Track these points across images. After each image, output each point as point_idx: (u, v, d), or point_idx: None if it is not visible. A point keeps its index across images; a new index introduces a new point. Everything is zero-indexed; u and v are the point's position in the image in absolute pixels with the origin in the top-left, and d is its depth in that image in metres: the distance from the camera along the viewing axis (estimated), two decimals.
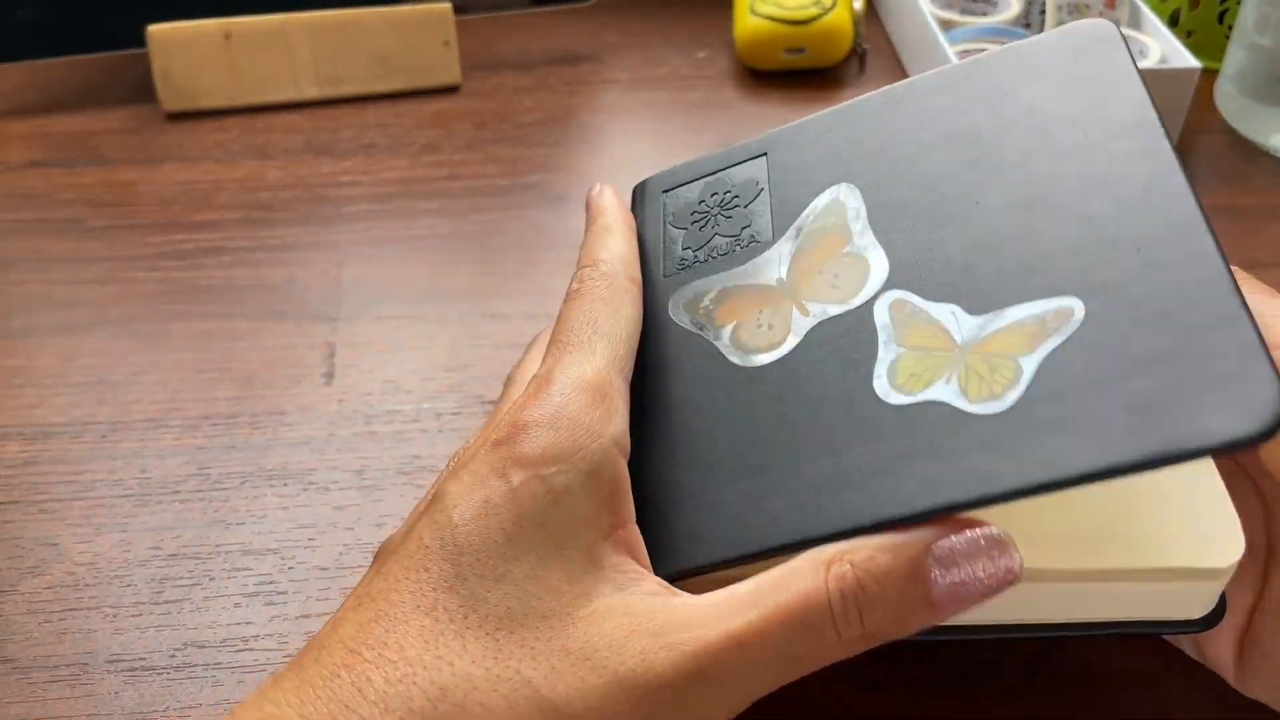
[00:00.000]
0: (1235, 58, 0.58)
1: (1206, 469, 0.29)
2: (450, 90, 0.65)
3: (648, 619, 0.24)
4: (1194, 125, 0.59)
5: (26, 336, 0.47)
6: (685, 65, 0.68)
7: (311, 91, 0.64)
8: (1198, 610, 0.28)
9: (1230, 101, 0.59)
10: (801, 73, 0.66)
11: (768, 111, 0.63)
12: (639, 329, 0.30)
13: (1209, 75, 0.60)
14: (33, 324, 0.48)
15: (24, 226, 0.54)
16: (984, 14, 0.65)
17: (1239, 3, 0.58)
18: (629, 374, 0.29)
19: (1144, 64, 0.57)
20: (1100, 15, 0.61)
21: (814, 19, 0.64)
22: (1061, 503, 0.25)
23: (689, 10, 0.74)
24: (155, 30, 0.61)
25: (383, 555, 0.27)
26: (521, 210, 0.55)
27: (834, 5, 0.65)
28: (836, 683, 0.32)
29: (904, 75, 0.66)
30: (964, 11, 0.65)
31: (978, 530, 0.23)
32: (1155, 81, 0.56)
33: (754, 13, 0.65)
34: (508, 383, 0.33)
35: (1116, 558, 0.27)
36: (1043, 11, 0.63)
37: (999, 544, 0.23)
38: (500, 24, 0.71)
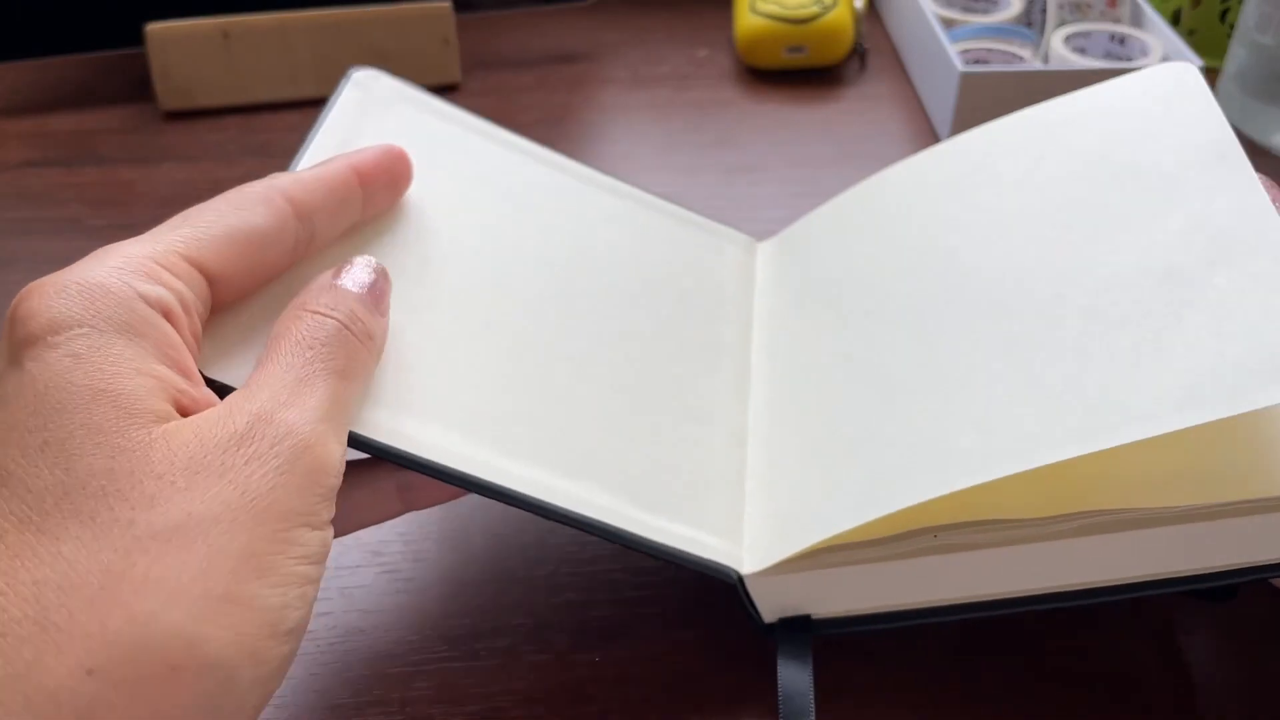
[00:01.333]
0: (1237, 56, 0.58)
1: None
2: (450, 89, 0.65)
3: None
4: None
5: None
6: (685, 64, 0.68)
7: (310, 90, 0.63)
8: None
9: (1232, 100, 0.59)
10: (802, 71, 0.66)
11: (768, 111, 0.63)
12: (264, 243, 0.27)
13: (1211, 74, 0.60)
14: None
15: (22, 226, 0.54)
16: (985, 13, 0.65)
17: (1241, 1, 0.58)
18: (215, 270, 0.26)
19: (1145, 62, 0.57)
20: (1102, 14, 0.61)
21: (814, 18, 0.64)
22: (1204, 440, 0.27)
23: (689, 9, 0.74)
24: (154, 29, 0.60)
25: None
26: None
27: (834, 4, 0.64)
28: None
29: (905, 74, 0.66)
30: (965, 10, 0.65)
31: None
32: None
33: (754, 11, 0.65)
34: None
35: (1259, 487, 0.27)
36: (1043, 11, 0.62)
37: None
38: (500, 23, 0.71)
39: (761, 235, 0.53)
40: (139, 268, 0.24)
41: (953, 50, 0.57)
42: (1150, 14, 0.60)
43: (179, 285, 0.25)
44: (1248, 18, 0.57)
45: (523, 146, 0.38)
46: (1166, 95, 0.34)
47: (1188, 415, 0.25)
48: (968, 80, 0.55)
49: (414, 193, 0.33)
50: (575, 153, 0.60)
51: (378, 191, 0.32)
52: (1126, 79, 0.35)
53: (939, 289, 0.33)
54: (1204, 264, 0.28)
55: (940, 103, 0.59)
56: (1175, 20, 0.65)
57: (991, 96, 0.56)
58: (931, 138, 0.59)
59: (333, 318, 0.26)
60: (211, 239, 0.26)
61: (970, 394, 0.29)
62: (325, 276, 0.27)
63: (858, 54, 0.68)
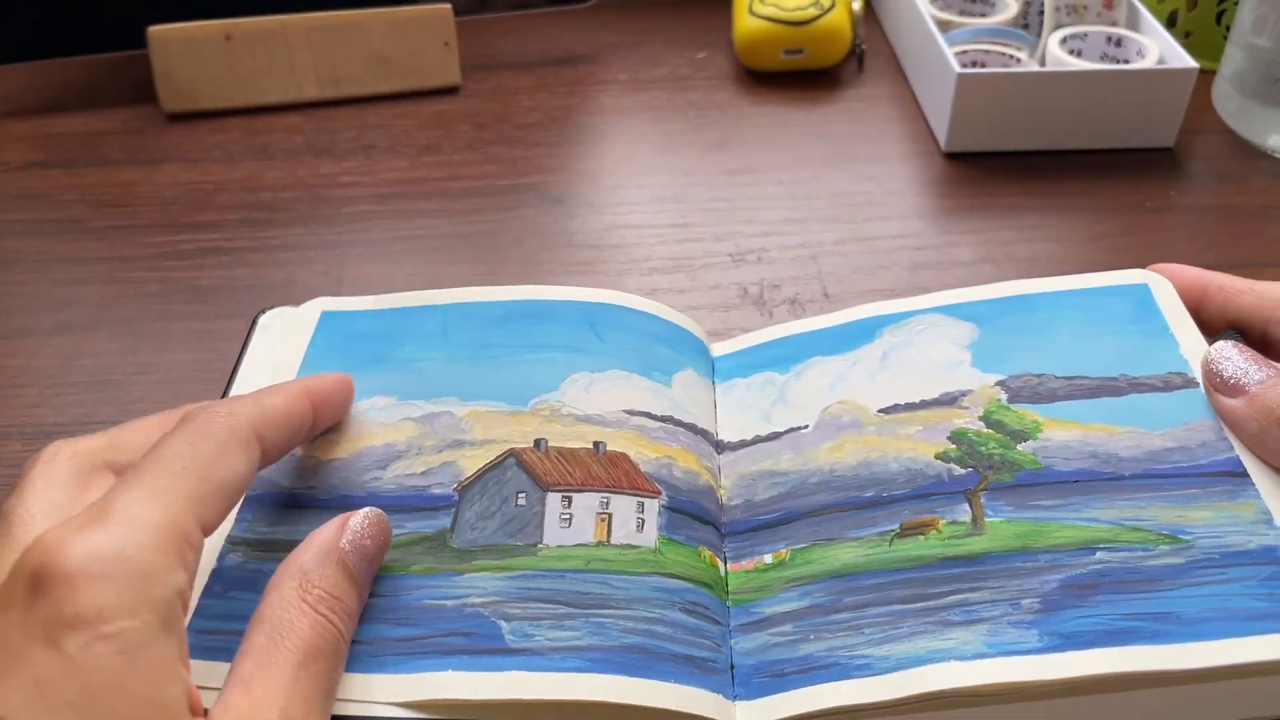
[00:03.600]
0: (1233, 58, 0.58)
1: None
2: (450, 91, 0.65)
3: None
4: (1192, 126, 0.59)
5: (27, 336, 0.47)
6: (684, 66, 0.68)
7: (312, 92, 0.64)
8: None
9: (1228, 102, 0.59)
10: (800, 73, 0.66)
11: (766, 112, 0.63)
12: (243, 489, 0.27)
13: (1207, 76, 0.60)
14: (33, 324, 0.48)
15: (25, 227, 0.54)
16: (982, 15, 0.65)
17: (1237, 3, 0.58)
18: (211, 527, 0.26)
19: (1142, 64, 0.57)
20: (1099, 16, 0.62)
21: (813, 19, 0.64)
22: None
23: (688, 11, 0.74)
24: (156, 31, 0.61)
25: None
26: (521, 210, 0.55)
27: (833, 6, 0.65)
28: None
29: (902, 76, 0.66)
30: (962, 12, 0.65)
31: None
32: (1153, 82, 0.56)
33: (753, 13, 0.65)
34: (7, 516, 0.27)
35: None
36: (1041, 12, 0.63)
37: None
38: (500, 24, 0.72)
39: (761, 233, 0.53)
40: (170, 546, 0.23)
41: (950, 52, 0.57)
42: (1146, 16, 0.61)
43: (192, 562, 0.24)
44: (1243, 20, 0.57)
45: None
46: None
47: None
48: (965, 81, 0.55)
49: None
50: (574, 154, 0.61)
51: (325, 416, 0.32)
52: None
53: None
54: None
55: (938, 104, 0.59)
56: (1171, 22, 0.65)
57: (988, 98, 0.56)
58: (929, 139, 0.60)
59: (333, 622, 0.26)
60: (211, 498, 0.25)
61: None
62: (328, 539, 0.28)
63: (855, 56, 0.68)
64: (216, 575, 0.30)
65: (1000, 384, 0.35)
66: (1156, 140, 0.58)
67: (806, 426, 0.36)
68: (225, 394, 0.35)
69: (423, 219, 0.54)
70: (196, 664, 0.27)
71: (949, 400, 0.35)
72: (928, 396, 0.35)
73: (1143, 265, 0.38)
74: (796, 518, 0.33)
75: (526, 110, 0.63)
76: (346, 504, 0.32)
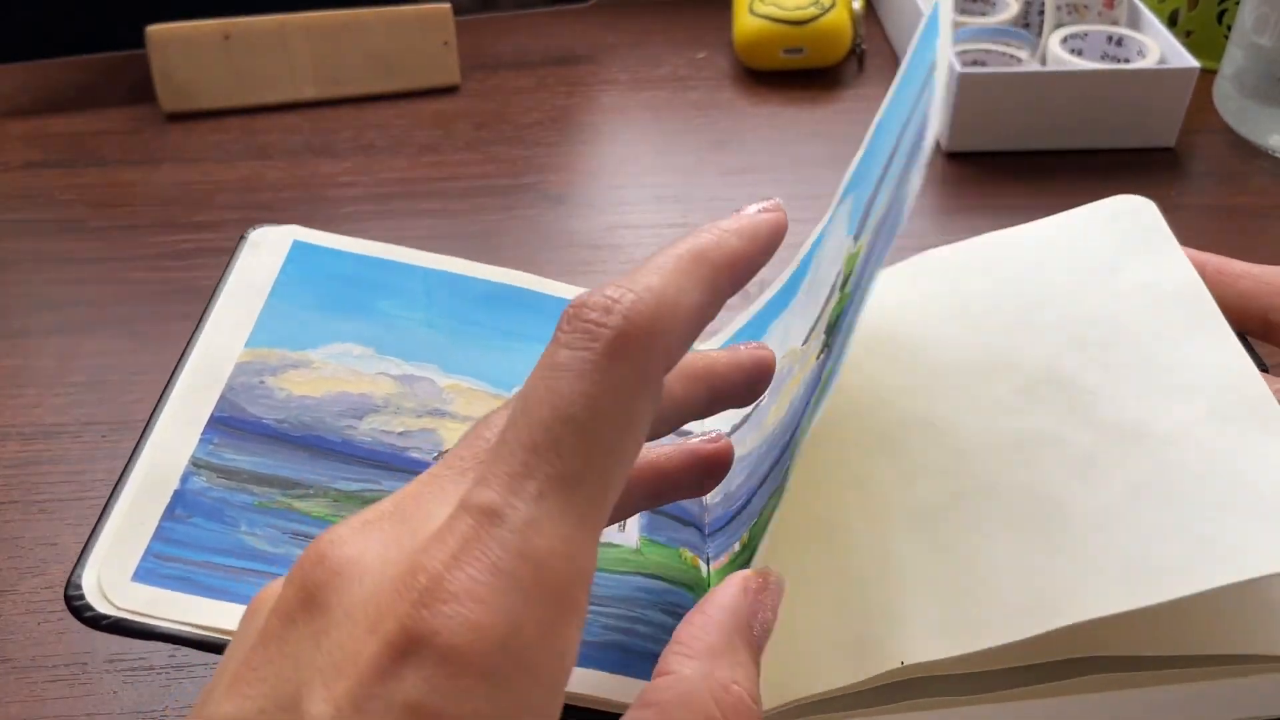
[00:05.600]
0: (1234, 58, 0.58)
1: None
2: (450, 90, 0.65)
3: None
4: (1192, 125, 0.59)
5: (26, 336, 0.47)
6: (684, 66, 0.68)
7: (311, 92, 0.64)
8: None
9: (1229, 101, 0.59)
10: (800, 73, 0.66)
11: (766, 112, 0.63)
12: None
13: (1207, 75, 0.60)
14: (33, 324, 0.48)
15: (24, 227, 0.54)
16: (983, 14, 0.65)
17: (1238, 3, 0.58)
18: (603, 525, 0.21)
19: (1142, 64, 0.57)
20: (1099, 15, 0.62)
21: (813, 19, 0.64)
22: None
23: (688, 11, 0.74)
24: (154, 31, 0.61)
25: None
26: (521, 210, 0.55)
27: (833, 5, 0.65)
28: None
29: None
30: (963, 12, 0.65)
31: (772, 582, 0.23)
32: (1154, 81, 0.56)
33: (753, 13, 0.65)
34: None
35: None
36: (1041, 12, 0.63)
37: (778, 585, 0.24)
38: (499, 24, 0.71)
39: None
40: (570, 614, 0.19)
41: (951, 52, 0.57)
42: (1147, 15, 0.61)
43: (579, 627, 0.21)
44: (1245, 19, 0.57)
45: None
46: (1126, 235, 0.34)
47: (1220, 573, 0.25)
48: (966, 81, 0.55)
49: None
50: (574, 154, 0.60)
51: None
52: (1081, 215, 0.35)
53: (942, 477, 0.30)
54: (1210, 431, 0.28)
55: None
56: (1172, 22, 0.65)
57: (989, 98, 0.56)
58: None
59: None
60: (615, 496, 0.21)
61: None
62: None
63: (856, 55, 0.68)
64: (179, 497, 0.29)
65: (854, 236, 0.31)
66: (1157, 140, 0.58)
67: (764, 399, 0.33)
68: (207, 310, 0.34)
69: (423, 219, 0.54)
70: (156, 591, 0.27)
71: (835, 289, 0.31)
72: (822, 298, 0.32)
73: None
74: (754, 494, 0.31)
75: (526, 110, 0.63)
76: (318, 444, 0.31)
